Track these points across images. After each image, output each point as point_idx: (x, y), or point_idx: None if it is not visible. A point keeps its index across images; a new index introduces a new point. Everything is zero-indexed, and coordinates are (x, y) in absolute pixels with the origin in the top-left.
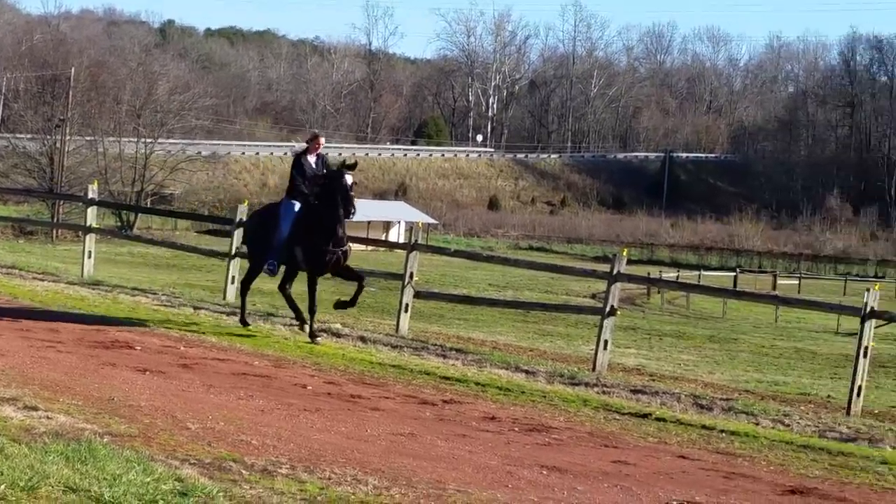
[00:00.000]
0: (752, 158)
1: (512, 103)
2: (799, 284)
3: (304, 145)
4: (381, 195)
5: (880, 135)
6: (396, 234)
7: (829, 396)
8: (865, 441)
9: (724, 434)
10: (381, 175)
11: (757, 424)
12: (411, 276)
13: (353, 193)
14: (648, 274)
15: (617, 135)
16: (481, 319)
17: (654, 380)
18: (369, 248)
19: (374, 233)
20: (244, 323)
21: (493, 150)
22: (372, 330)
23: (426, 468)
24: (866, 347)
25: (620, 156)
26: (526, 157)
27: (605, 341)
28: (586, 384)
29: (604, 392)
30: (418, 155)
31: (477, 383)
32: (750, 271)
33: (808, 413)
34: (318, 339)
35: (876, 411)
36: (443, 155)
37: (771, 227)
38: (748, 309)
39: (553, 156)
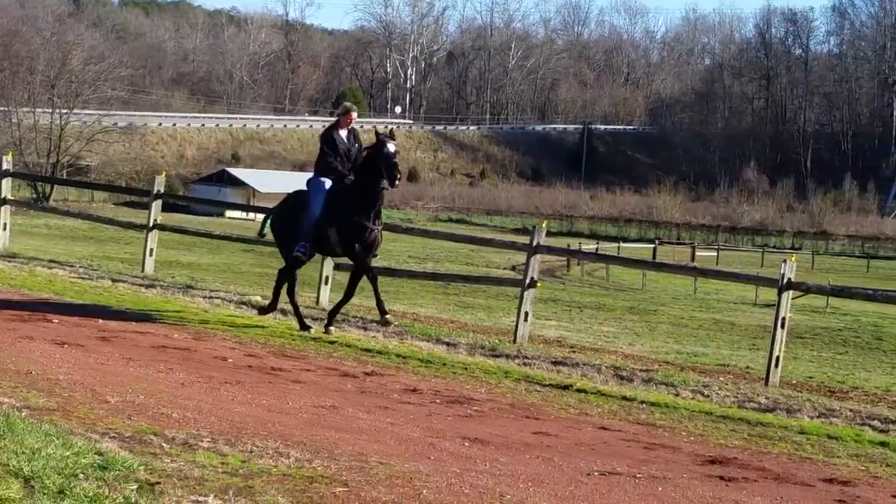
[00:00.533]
0: (670, 130)
1: (430, 75)
2: (717, 256)
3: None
4: (300, 167)
5: (795, 107)
6: None
7: (747, 367)
8: (783, 411)
9: (644, 405)
10: (299, 147)
11: (677, 395)
12: None
13: (395, 161)
14: (568, 246)
15: (535, 107)
16: (402, 292)
17: (574, 351)
18: None
19: None
20: (269, 309)
21: (411, 121)
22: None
23: (348, 440)
24: (784, 318)
25: (539, 128)
26: (445, 128)
27: (526, 313)
28: (507, 356)
29: (525, 364)
30: None
31: (398, 355)
32: (669, 243)
33: (727, 384)
34: (332, 328)
35: (794, 382)
36: (362, 126)
37: (689, 198)
38: (667, 280)
39: (472, 128)
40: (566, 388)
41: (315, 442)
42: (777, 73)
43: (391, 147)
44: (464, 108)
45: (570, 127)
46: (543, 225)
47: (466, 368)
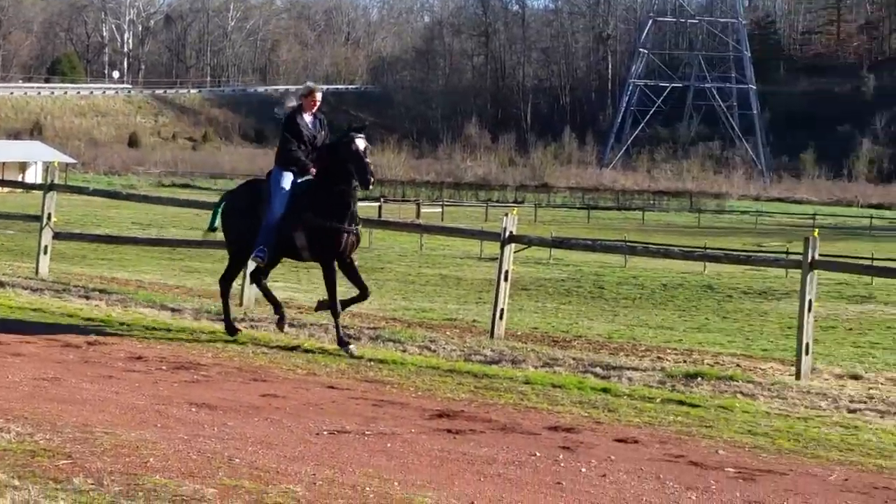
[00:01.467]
0: (392, 89)
1: (148, 38)
2: (442, 212)
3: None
4: (15, 135)
5: (514, 63)
6: (33, 175)
7: (474, 321)
8: (509, 363)
9: (372, 363)
10: (14, 114)
11: (404, 352)
12: (49, 217)
13: (368, 160)
14: None
15: (256, 68)
16: (126, 259)
17: (302, 312)
18: (6, 190)
19: (9, 174)
20: (231, 330)
21: (130, 86)
22: (10, 273)
23: (72, 412)
24: (507, 271)
25: (261, 89)
26: (165, 92)
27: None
28: (233, 319)
29: (251, 326)
30: (52, 93)
31: (121, 323)
32: (394, 201)
33: (453, 338)
34: (352, 346)
35: (518, 333)
36: (78, 92)
37: (413, 156)
38: (393, 238)
39: (193, 91)
40: (294, 349)
41: (37, 415)
42: (496, 30)
43: (360, 143)
44: (184, 71)
45: (293, 88)
46: None
47: (192, 333)
